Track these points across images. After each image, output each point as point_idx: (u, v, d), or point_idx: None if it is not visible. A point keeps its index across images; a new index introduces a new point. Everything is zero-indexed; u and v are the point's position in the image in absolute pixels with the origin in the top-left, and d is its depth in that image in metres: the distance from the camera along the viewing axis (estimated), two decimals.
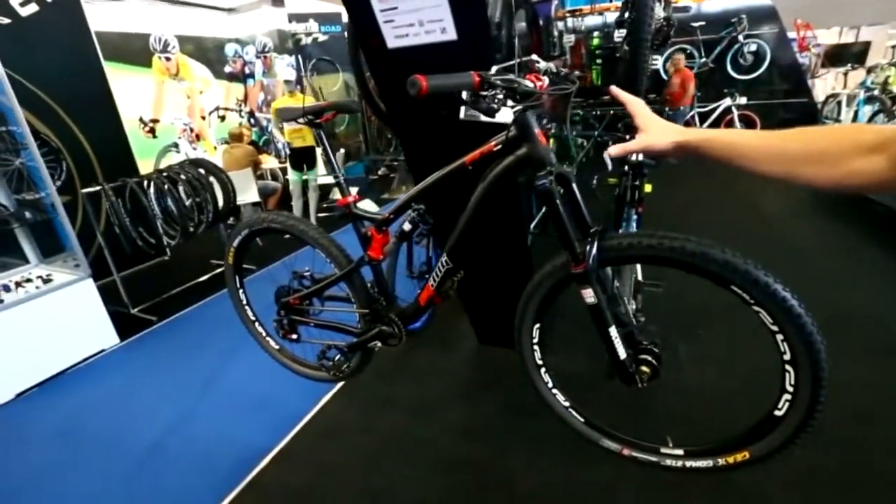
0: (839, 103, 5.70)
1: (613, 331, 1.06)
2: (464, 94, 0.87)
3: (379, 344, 1.45)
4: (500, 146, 1.06)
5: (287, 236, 1.45)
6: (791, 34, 7.45)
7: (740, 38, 6.75)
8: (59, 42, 3.61)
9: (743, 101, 6.56)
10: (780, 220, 4.19)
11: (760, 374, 1.07)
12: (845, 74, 6.79)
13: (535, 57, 1.07)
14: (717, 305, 1.09)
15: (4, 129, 2.94)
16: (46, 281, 2.76)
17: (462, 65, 1.01)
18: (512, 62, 1.00)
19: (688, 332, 2.12)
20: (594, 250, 1.00)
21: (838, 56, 8.52)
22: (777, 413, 1.00)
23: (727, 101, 6.54)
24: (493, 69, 0.98)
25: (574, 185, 1.05)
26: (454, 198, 1.16)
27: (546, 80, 1.02)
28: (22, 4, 3.37)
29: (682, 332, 1.20)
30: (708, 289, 0.97)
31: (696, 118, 6.53)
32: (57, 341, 2.66)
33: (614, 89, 0.88)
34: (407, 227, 1.24)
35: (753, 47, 6.48)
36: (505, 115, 1.32)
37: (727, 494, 1.48)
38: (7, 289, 2.63)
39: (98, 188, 3.28)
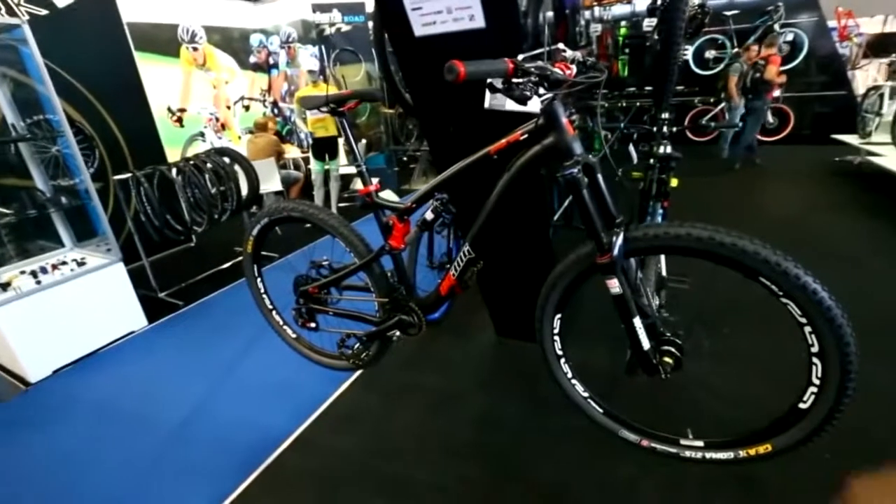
0: (881, 96, 5.40)
1: (637, 321, 1.05)
2: (497, 82, 0.87)
3: (398, 333, 1.46)
4: (526, 135, 1.05)
5: (307, 225, 1.47)
6: (831, 23, 7.11)
7: (776, 27, 6.47)
8: (93, 33, 3.71)
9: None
10: (809, 215, 4.04)
11: (785, 369, 1.04)
12: (889, 65, 6.44)
13: (561, 46, 1.05)
14: (744, 303, 1.06)
15: (42, 118, 3.05)
16: (80, 264, 2.87)
17: (490, 53, 1.00)
18: (541, 50, 0.99)
19: (712, 328, 2.07)
20: (620, 241, 0.99)
21: (882, 46, 8.08)
22: (802, 406, 0.98)
23: None
24: (520, 57, 0.96)
25: (599, 176, 1.04)
26: (477, 187, 1.16)
27: (574, 68, 1.00)
28: None
29: (707, 328, 1.17)
30: (734, 287, 0.95)
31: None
32: (90, 322, 2.77)
33: None
34: (429, 216, 1.24)
35: (790, 37, 6.21)
36: (530, 104, 1.31)
37: (752, 492, 1.45)
38: (44, 271, 2.74)
39: (129, 175, 3.38)
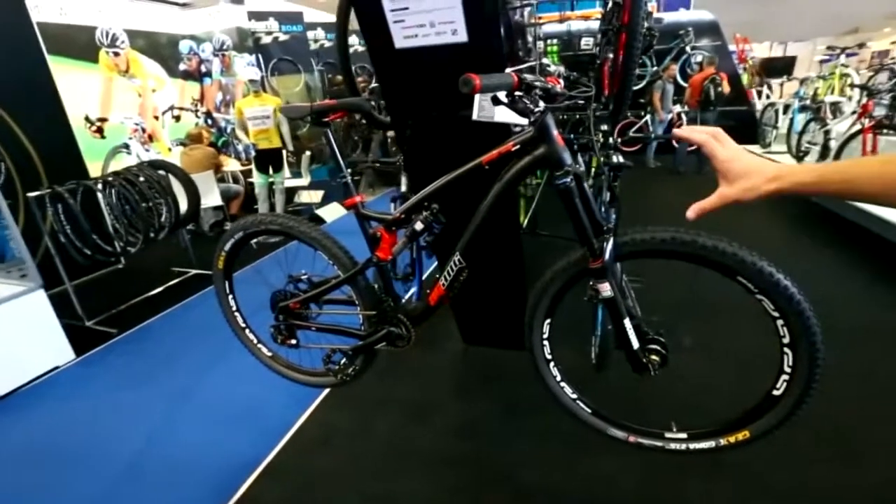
0: (776, 111, 6.21)
1: (628, 322, 1.11)
2: (501, 95, 0.89)
3: (385, 345, 1.44)
4: (517, 146, 1.09)
5: (254, 241, 1.42)
6: (731, 47, 8.04)
7: (688, 49, 7.20)
8: None
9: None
10: (727, 215, 4.50)
11: (747, 360, 1.15)
12: (781, 85, 7.41)
13: (546, 61, 1.11)
14: (695, 299, 1.16)
15: None
16: None
17: (471, 67, 1.02)
18: (530, 64, 1.04)
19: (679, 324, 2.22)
20: (611, 246, 1.05)
21: (769, 68, 9.32)
22: (775, 393, 1.09)
23: (677, 108, 6.96)
24: (508, 70, 1.00)
25: (587, 185, 1.10)
26: (465, 197, 1.18)
27: (562, 82, 1.06)
28: None
29: (675, 325, 1.27)
30: (685, 284, 1.04)
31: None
32: (5, 359, 2.43)
33: (681, 132, 0.74)
34: (419, 226, 1.24)
35: (699, 58, 6.92)
36: (503, 114, 1.36)
37: (719, 474, 1.57)
38: None
39: (47, 191, 3.03)
